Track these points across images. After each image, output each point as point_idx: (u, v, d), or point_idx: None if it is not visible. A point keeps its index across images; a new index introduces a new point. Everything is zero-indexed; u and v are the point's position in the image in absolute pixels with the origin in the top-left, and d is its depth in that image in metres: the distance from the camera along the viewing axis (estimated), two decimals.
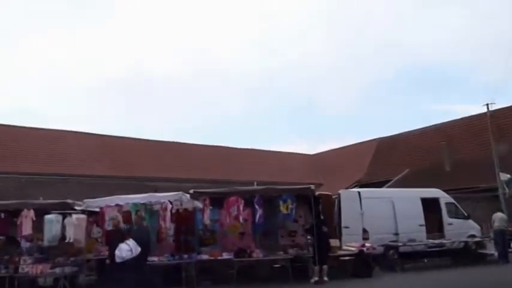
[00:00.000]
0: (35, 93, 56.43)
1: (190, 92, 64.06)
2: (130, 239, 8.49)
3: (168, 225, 11.45)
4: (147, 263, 9.38)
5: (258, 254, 11.67)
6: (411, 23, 63.94)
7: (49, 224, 11.02)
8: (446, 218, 15.62)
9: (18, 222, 11.38)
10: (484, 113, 23.32)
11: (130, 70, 60.49)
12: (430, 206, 15.40)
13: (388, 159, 29.57)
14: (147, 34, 61.17)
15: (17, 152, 23.47)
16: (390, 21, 62.10)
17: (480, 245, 15.37)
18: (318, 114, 65.10)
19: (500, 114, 24.18)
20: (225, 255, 11.58)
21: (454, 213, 15.93)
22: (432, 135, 28.18)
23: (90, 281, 11.96)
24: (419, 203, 15.16)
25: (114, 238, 9.26)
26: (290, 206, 11.59)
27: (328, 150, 36.65)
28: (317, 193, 12.76)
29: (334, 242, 12.65)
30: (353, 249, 12.68)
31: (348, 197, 14.76)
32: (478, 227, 16.31)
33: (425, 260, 15.33)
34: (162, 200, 11.36)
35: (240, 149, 33.85)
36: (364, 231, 13.94)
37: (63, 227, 11.13)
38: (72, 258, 11.25)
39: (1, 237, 12.21)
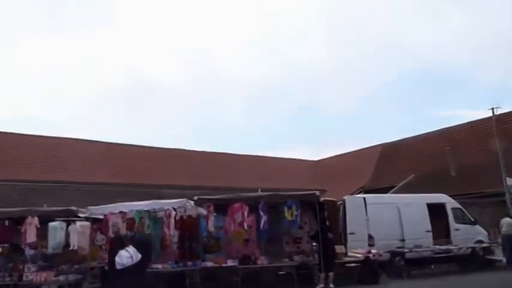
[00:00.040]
0: (36, 100, 56.94)
1: (190, 97, 64.27)
2: (131, 246, 8.45)
3: (172, 232, 11.40)
4: (150, 270, 9.31)
5: (262, 261, 11.57)
6: (411, 23, 64.12)
7: (53, 232, 11.03)
8: (453, 224, 15.46)
9: (23, 230, 11.37)
10: (489, 117, 23.18)
11: (131, 76, 60.86)
12: (436, 212, 15.25)
13: (392, 165, 29.45)
14: (147, 39, 61.68)
15: (17, 159, 23.55)
16: (390, 21, 62.33)
17: (488, 250, 15.21)
18: (319, 119, 65.15)
19: (506, 119, 24.05)
20: (230, 262, 11.48)
21: (461, 218, 15.77)
22: (436, 140, 28.07)
23: None
24: (426, 208, 15.03)
25: (114, 245, 9.22)
26: (295, 213, 11.51)
27: (332, 157, 36.59)
28: (322, 199, 12.68)
29: (339, 249, 12.57)
30: (359, 255, 12.58)
31: (353, 203, 14.66)
32: (485, 232, 16.14)
33: (432, 267, 15.16)
34: (166, 207, 11.32)
35: (243, 155, 33.84)
36: (370, 237, 13.82)
37: (67, 235, 11.13)
38: (76, 266, 11.24)
39: (5, 245, 12.19)
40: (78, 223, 11.34)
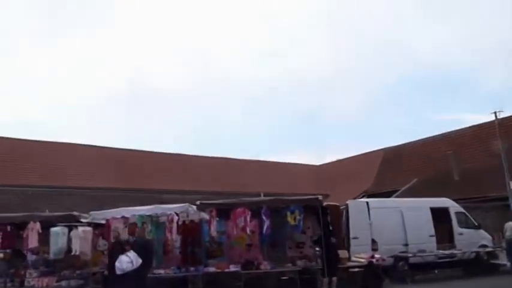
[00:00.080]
0: (35, 104, 57.00)
1: (190, 97, 64.31)
2: (131, 251, 8.42)
3: (174, 237, 11.33)
4: (152, 275, 9.26)
5: (265, 266, 11.50)
6: (411, 24, 64.16)
7: (55, 237, 10.97)
8: (456, 228, 15.38)
9: (24, 235, 11.33)
10: (492, 121, 23.13)
11: (131, 76, 60.95)
12: (439, 216, 15.19)
13: (395, 169, 29.34)
14: (147, 40, 61.76)
15: (17, 165, 23.57)
16: (390, 22, 62.38)
17: (492, 255, 15.14)
18: (320, 124, 65.20)
19: (509, 122, 23.97)
20: (232, 268, 11.41)
21: (465, 223, 15.69)
22: (439, 144, 27.98)
23: None
24: (429, 212, 14.96)
25: (114, 250, 9.19)
26: (298, 217, 11.43)
27: (334, 161, 36.58)
28: (325, 204, 12.62)
29: (342, 253, 12.49)
30: (362, 260, 12.51)
31: (356, 207, 14.59)
32: (489, 236, 16.05)
33: (436, 271, 15.09)
34: (169, 212, 11.26)
35: (245, 160, 33.76)
36: (373, 241, 13.76)
37: (69, 240, 11.07)
38: (78, 271, 11.20)
39: (7, 250, 12.13)
40: (80, 228, 11.30)
